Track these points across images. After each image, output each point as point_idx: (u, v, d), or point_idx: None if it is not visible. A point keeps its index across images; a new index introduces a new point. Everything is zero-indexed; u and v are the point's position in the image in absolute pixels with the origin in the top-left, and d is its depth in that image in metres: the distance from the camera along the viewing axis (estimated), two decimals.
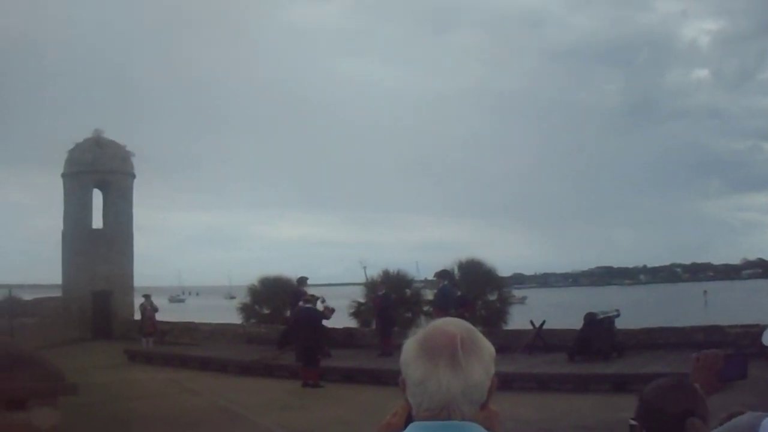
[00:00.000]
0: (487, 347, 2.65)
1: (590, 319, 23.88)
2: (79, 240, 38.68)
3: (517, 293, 37.32)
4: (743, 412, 3.74)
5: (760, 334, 16.15)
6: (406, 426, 2.84)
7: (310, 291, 26.37)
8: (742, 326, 25.87)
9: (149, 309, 33.59)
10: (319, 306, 24.84)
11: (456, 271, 30.40)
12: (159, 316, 35.68)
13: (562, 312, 45.69)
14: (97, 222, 39.79)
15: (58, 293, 41.10)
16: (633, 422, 3.29)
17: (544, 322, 27.34)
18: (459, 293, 26.83)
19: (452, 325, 2.64)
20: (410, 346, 2.62)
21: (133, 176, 41.26)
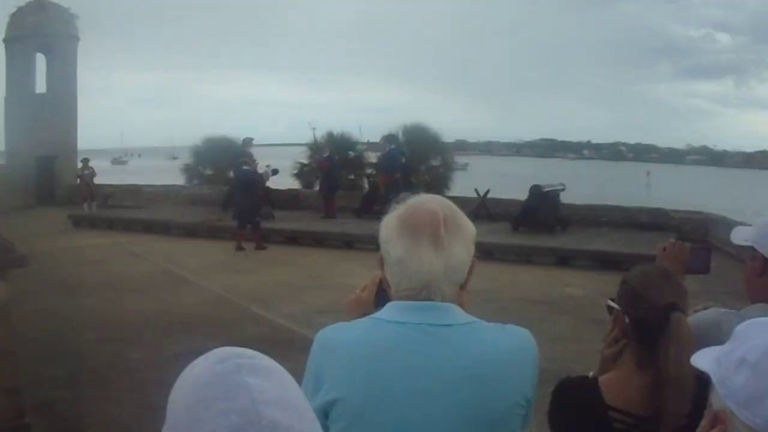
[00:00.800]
0: (469, 227, 2.64)
1: (536, 191, 23.76)
2: (22, 105, 37.27)
3: (460, 160, 37.37)
4: (710, 306, 3.81)
5: (702, 222, 16.69)
6: (378, 302, 2.96)
7: (256, 152, 26.29)
8: (686, 212, 26.18)
9: (86, 174, 33.14)
10: (261, 170, 24.83)
11: (401, 135, 30.30)
12: (102, 179, 35.28)
13: (506, 181, 45.73)
14: (41, 87, 38.94)
15: (1, 160, 40.41)
16: (613, 305, 3.22)
17: (488, 191, 27.44)
18: (404, 160, 26.69)
19: (435, 202, 2.61)
20: (390, 222, 2.60)
21: (77, 39, 39.92)
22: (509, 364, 2.53)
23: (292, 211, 28.25)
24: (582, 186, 40.39)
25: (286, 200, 29.41)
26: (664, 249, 3.85)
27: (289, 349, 10.37)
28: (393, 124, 31.88)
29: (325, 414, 2.47)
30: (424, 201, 2.61)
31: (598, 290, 16.16)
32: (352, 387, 2.45)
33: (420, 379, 2.43)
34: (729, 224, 21.89)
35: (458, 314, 2.54)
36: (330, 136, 33.15)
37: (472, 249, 2.60)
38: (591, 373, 3.25)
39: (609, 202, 28.24)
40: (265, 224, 24.08)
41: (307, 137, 34.77)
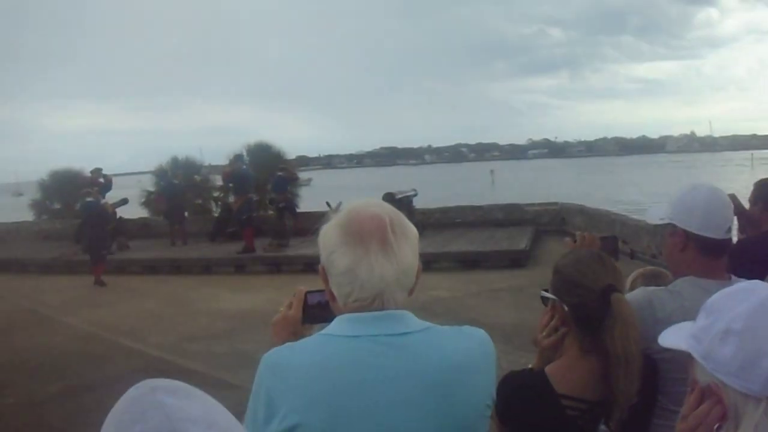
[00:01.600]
0: (413, 229, 2.58)
1: (389, 199, 22.64)
2: None
3: (302, 176, 37.35)
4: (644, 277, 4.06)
5: (558, 213, 17.05)
6: (305, 318, 2.93)
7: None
8: (540, 204, 26.79)
9: None
10: (109, 200, 24.43)
11: (245, 154, 30.17)
12: None
13: (349, 193, 45.82)
14: None
15: None
16: (548, 295, 3.20)
17: (340, 203, 27.25)
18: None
19: (377, 206, 2.52)
20: (331, 231, 2.49)
21: None
22: (473, 368, 2.48)
23: (145, 239, 27.86)
24: (428, 190, 40.67)
25: (138, 229, 28.98)
26: (575, 242, 3.89)
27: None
28: (236, 144, 31.63)
29: None
30: (366, 205, 2.54)
31: (464, 290, 16.45)
32: (312, 410, 2.32)
33: (383, 393, 2.33)
34: (586, 212, 22.42)
35: (413, 321, 2.48)
36: (174, 161, 32.80)
37: (417, 251, 2.56)
38: (530, 366, 3.29)
39: (459, 204, 28.50)
40: (122, 254, 23.85)
41: (146, 165, 34.16)
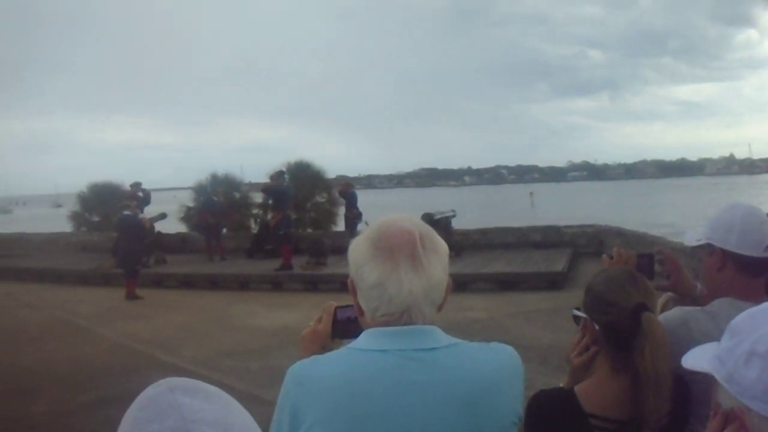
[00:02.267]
0: (443, 244, 2.54)
1: (427, 219, 22.85)
2: None
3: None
4: (671, 300, 3.95)
5: (596, 235, 16.91)
6: (334, 332, 2.91)
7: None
8: (579, 226, 26.64)
9: None
10: (148, 215, 24.50)
11: (286, 172, 30.26)
12: None
13: (390, 212, 45.68)
14: None
15: None
16: (580, 313, 3.17)
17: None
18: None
19: (407, 221, 2.49)
20: (361, 245, 2.48)
21: None
22: (500, 384, 2.43)
23: (182, 254, 28.05)
24: (467, 212, 40.71)
25: (176, 244, 29.11)
26: (611, 258, 3.85)
27: None
28: (275, 163, 31.53)
29: None
30: (396, 220, 2.51)
31: (501, 311, 16.38)
32: (336, 423, 2.29)
33: (408, 407, 2.30)
34: (624, 234, 22.29)
35: (441, 336, 2.44)
36: (214, 178, 32.98)
37: (447, 267, 2.52)
38: (561, 385, 3.21)
39: (498, 225, 28.52)
40: (159, 268, 23.95)
41: (186, 181, 34.44)
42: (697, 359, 1.84)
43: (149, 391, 1.37)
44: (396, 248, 2.38)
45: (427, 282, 2.38)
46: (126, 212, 22.17)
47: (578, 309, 3.19)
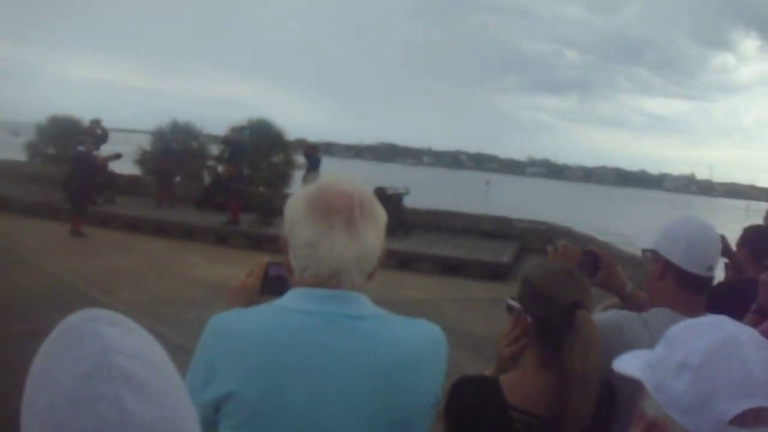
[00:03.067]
0: (382, 213, 2.51)
1: (380, 193, 22.20)
2: None
3: (300, 159, 37.29)
4: (618, 305, 3.92)
5: (546, 232, 16.99)
6: (264, 288, 2.93)
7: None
8: (530, 221, 26.79)
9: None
10: (104, 153, 24.30)
11: (246, 128, 30.04)
12: None
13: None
14: None
15: None
16: (514, 303, 3.13)
17: None
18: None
19: (348, 184, 2.47)
20: (298, 203, 2.45)
21: None
22: (421, 361, 2.42)
23: (133, 197, 27.75)
24: (422, 192, 40.66)
25: (127, 186, 28.76)
26: (556, 250, 3.87)
27: None
28: (237, 118, 31.37)
29: (216, 408, 2.32)
30: (338, 182, 2.49)
31: (441, 294, 16.44)
32: (251, 380, 2.28)
33: (324, 374, 2.29)
34: (573, 235, 22.43)
35: (368, 305, 2.44)
36: (174, 125, 32.72)
37: (383, 236, 2.49)
38: (486, 373, 3.20)
39: (450, 209, 28.52)
40: (107, 208, 23.76)
41: (147, 124, 34.11)
42: (628, 364, 1.84)
43: (71, 318, 1.34)
44: (333, 210, 2.37)
45: (360, 247, 2.37)
46: (80, 148, 22.09)
47: (513, 299, 3.16)
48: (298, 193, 2.52)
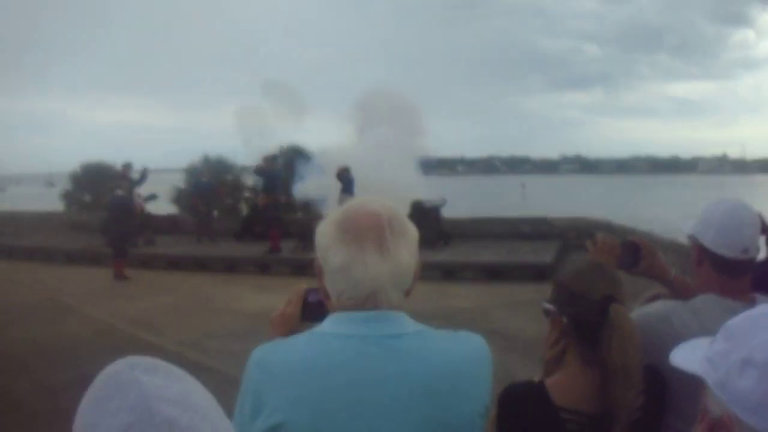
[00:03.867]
0: (413, 229, 2.50)
1: (417, 207, 23.26)
2: None
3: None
4: (661, 295, 3.81)
5: (586, 228, 16.79)
6: (304, 315, 2.90)
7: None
8: (568, 219, 26.53)
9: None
10: (138, 196, 24.53)
11: (278, 156, 30.17)
12: None
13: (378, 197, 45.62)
14: None
15: None
16: (549, 306, 3.09)
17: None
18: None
19: (376, 204, 2.46)
20: (327, 228, 2.45)
21: None
22: (467, 373, 2.40)
23: (172, 235, 27.87)
24: (459, 201, 40.66)
25: (165, 225, 28.84)
26: (595, 245, 3.78)
27: None
28: (268, 147, 31.41)
29: None
30: (365, 203, 2.48)
31: (487, 301, 16.36)
32: (298, 409, 2.27)
33: (372, 395, 2.28)
34: (613, 228, 22.27)
35: (407, 323, 2.41)
36: (206, 160, 32.93)
37: (416, 252, 2.48)
38: (536, 379, 3.11)
39: (487, 215, 28.44)
40: (147, 249, 23.93)
41: (178, 162, 34.46)
42: (686, 359, 1.74)
43: (109, 369, 1.36)
44: (362, 231, 2.36)
45: (393, 266, 2.36)
46: (118, 192, 22.32)
47: (548, 301, 3.12)
48: (327, 218, 2.51)
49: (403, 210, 2.56)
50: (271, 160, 25.40)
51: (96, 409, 1.30)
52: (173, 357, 12.55)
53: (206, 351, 12.64)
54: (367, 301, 2.36)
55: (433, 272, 19.08)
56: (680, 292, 3.65)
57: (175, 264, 23.36)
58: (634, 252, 3.78)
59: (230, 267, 22.73)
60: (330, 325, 2.42)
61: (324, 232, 2.45)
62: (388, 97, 33.35)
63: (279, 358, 2.38)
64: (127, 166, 26.20)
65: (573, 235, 24.40)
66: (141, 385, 1.30)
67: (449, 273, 19.73)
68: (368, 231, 2.36)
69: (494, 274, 19.91)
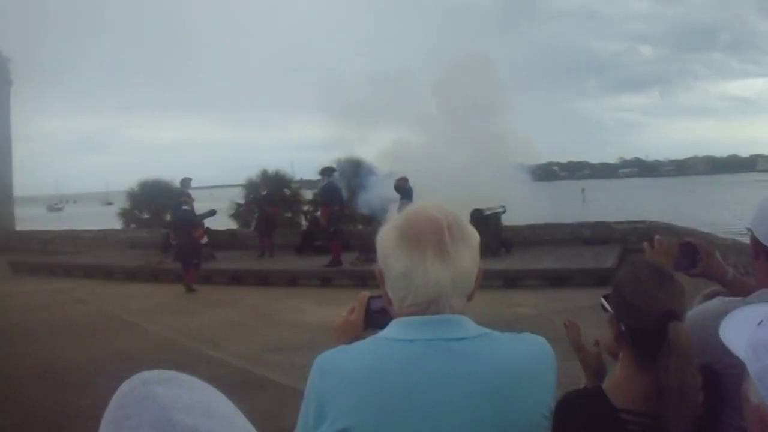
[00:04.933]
0: (474, 233, 2.50)
1: (477, 215, 22.99)
2: None
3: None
4: (719, 292, 3.68)
5: (646, 231, 16.62)
6: (367, 323, 2.88)
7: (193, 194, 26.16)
8: (629, 222, 26.44)
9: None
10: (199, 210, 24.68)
11: (335, 168, 30.25)
12: (39, 226, 34.70)
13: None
14: None
15: None
16: (607, 306, 3.03)
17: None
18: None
19: (435, 209, 2.44)
20: (388, 234, 2.45)
21: (10, 83, 39.59)
22: (531, 375, 2.40)
23: (231, 251, 28.08)
24: (519, 208, 40.66)
25: (225, 240, 29.17)
26: (653, 247, 3.73)
27: (245, 388, 10.25)
28: (326, 159, 31.58)
29: None
30: (424, 208, 2.46)
31: (549, 307, 16.25)
32: (363, 414, 2.26)
33: (436, 398, 2.26)
34: (674, 230, 22.05)
35: (470, 326, 2.40)
36: (264, 175, 33.04)
37: (477, 256, 2.46)
38: (584, 385, 3.18)
39: (548, 221, 28.37)
40: (207, 265, 23.98)
41: (237, 178, 34.81)
42: (735, 337, 1.70)
43: (123, 387, 1.36)
44: (423, 237, 2.35)
45: (454, 271, 2.34)
46: (185, 207, 22.62)
47: (606, 298, 3.04)
48: (388, 224, 2.50)
49: (464, 216, 2.52)
50: (325, 172, 25.43)
51: (116, 429, 1.29)
52: (235, 371, 12.65)
53: (269, 365, 12.63)
54: (429, 307, 2.35)
55: (494, 280, 19.03)
56: (737, 292, 3.57)
57: (236, 279, 23.51)
58: (692, 254, 3.75)
59: (292, 281, 22.77)
60: (392, 330, 2.41)
61: (384, 239, 2.45)
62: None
63: (341, 365, 2.38)
64: (186, 182, 26.35)
65: (634, 238, 24.21)
66: (158, 398, 1.29)
67: (511, 281, 19.66)
68: (428, 237, 2.34)
69: (557, 280, 19.83)
